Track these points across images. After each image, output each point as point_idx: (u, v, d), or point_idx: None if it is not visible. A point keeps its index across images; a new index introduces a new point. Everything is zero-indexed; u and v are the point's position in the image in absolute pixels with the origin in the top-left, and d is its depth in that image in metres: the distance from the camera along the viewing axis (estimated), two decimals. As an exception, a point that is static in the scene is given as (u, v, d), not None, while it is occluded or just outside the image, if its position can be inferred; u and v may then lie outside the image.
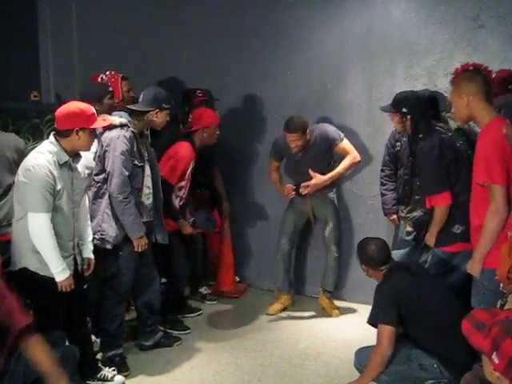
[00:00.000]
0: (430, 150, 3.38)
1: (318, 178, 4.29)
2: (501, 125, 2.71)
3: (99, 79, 4.26)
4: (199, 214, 4.45)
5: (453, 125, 3.55)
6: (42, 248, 2.94)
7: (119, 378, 3.51)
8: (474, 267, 2.91)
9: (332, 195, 4.47)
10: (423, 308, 3.08)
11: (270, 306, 4.64)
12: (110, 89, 3.94)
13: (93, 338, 3.81)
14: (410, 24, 4.24)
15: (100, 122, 3.09)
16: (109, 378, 3.47)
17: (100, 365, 3.50)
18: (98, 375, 3.45)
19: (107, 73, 4.27)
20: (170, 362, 3.82)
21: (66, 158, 2.99)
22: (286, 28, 4.67)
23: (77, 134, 2.96)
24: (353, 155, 4.30)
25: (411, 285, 3.14)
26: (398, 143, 4.04)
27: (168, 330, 4.18)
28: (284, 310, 4.64)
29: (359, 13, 4.40)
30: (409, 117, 3.61)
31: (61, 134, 2.99)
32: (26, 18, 5.60)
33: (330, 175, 4.31)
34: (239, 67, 4.89)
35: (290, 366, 3.77)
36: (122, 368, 3.64)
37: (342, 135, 4.30)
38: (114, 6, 5.36)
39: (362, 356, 3.31)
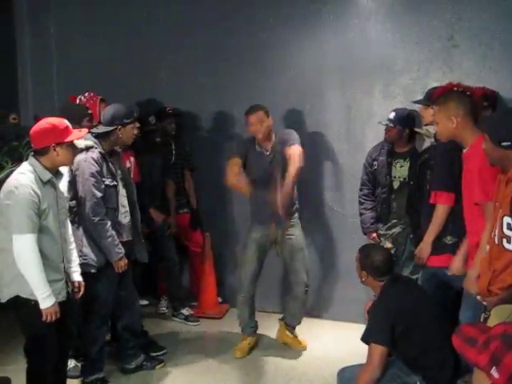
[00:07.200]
0: (449, 149, 3.31)
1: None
2: None
3: (78, 100, 4.25)
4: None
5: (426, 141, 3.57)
6: (28, 271, 2.81)
7: None
8: (471, 285, 2.87)
9: (296, 220, 4.12)
10: (415, 327, 3.02)
11: (237, 348, 4.24)
12: (89, 111, 3.92)
13: (73, 362, 3.76)
14: (387, 44, 4.32)
15: (76, 134, 3.01)
16: None
17: None
18: None
19: (86, 94, 4.27)
20: (153, 385, 3.77)
21: (48, 175, 2.93)
22: (264, 50, 4.72)
23: (54, 150, 2.91)
24: (295, 162, 3.79)
25: (407, 303, 3.08)
26: (375, 162, 4.08)
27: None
28: (251, 349, 4.28)
29: (336, 34, 4.47)
30: None
31: (39, 153, 2.93)
32: (4, 40, 5.59)
33: (288, 181, 3.77)
34: (217, 87, 4.91)
35: (274, 386, 3.74)
36: (105, 392, 3.59)
37: (298, 141, 3.90)
38: (92, 29, 5.36)
39: (345, 378, 3.26)
